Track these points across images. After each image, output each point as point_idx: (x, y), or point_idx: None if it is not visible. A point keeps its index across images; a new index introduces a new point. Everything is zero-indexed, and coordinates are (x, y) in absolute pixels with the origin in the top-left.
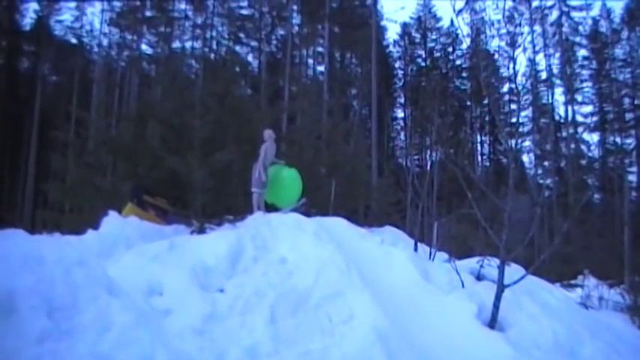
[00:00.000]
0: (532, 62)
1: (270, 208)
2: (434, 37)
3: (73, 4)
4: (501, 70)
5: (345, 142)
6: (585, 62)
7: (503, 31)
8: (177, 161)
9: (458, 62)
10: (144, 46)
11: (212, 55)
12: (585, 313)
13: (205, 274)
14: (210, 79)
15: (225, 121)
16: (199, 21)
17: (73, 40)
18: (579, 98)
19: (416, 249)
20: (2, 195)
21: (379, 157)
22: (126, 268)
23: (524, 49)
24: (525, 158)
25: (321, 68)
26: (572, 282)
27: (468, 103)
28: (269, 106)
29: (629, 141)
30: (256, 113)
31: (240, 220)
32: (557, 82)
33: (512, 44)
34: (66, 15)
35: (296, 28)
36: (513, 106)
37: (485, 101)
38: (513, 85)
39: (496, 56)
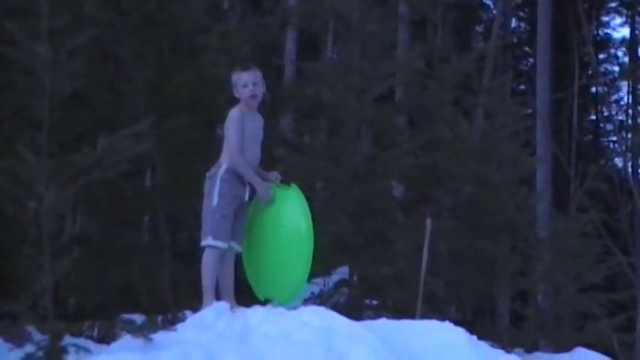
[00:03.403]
0: None
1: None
2: None
3: None
4: None
5: (458, 110)
6: None
7: None
8: None
9: None
10: None
11: None
12: None
13: None
14: None
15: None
16: None
17: None
18: None
19: None
20: None
21: (556, 156)
22: None
23: None
24: None
25: None
26: None
27: None
28: (244, 17)
29: None
30: (206, 34)
31: (167, 327)
32: None
33: None
34: None
35: None
36: None
37: None
38: None
39: None
